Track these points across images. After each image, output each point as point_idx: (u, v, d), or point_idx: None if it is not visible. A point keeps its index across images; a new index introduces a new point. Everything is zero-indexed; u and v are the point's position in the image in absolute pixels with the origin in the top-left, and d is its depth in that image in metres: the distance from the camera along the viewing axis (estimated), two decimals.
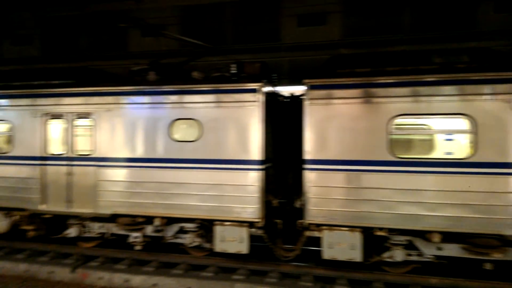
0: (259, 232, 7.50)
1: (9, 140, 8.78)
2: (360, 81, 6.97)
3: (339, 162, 7.01)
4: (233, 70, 7.81)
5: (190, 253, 8.35)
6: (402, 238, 7.00)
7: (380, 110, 6.85)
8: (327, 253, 7.19)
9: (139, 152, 7.96)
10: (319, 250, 7.33)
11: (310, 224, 7.20)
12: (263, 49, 12.37)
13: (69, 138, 8.46)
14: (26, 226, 8.77)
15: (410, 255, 7.06)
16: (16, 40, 14.62)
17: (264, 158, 7.39)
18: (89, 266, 8.03)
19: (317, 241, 7.41)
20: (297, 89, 8.20)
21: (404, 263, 7.24)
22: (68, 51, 14.13)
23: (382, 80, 6.88)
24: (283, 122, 8.55)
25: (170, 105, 7.84)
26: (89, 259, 8.37)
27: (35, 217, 8.77)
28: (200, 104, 7.66)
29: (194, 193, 7.59)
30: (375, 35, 11.89)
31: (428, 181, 6.59)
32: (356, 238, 7.04)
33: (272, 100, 8.10)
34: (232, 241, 7.56)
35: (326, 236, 7.16)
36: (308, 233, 7.37)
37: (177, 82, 7.92)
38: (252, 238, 7.65)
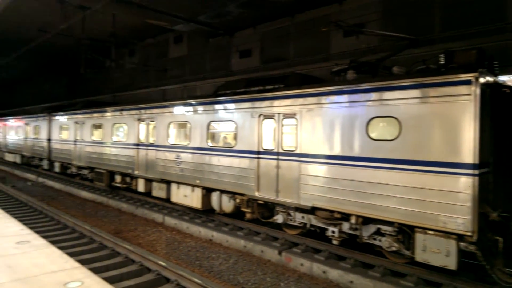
0: (471, 247, 6.40)
1: (234, 136, 10.72)
2: None
3: None
4: (441, 60, 6.94)
5: (387, 257, 8.01)
6: None
7: None
8: None
9: (337, 150, 8.18)
10: None
11: None
12: (481, 33, 10.29)
13: (278, 136, 9.55)
14: (244, 209, 10.51)
15: None
16: (242, 54, 17.77)
17: (479, 162, 6.24)
18: (292, 252, 8.82)
19: None
20: None
21: None
22: (279, 59, 16.00)
23: None
24: (508, 119, 6.97)
25: (367, 103, 7.69)
26: (293, 245, 9.23)
27: (251, 201, 10.38)
28: (399, 101, 7.18)
29: (391, 194, 7.20)
30: None
31: None
32: None
33: (492, 93, 6.75)
34: (436, 253, 6.77)
35: None
36: None
37: (374, 79, 7.69)
38: (463, 254, 6.64)
